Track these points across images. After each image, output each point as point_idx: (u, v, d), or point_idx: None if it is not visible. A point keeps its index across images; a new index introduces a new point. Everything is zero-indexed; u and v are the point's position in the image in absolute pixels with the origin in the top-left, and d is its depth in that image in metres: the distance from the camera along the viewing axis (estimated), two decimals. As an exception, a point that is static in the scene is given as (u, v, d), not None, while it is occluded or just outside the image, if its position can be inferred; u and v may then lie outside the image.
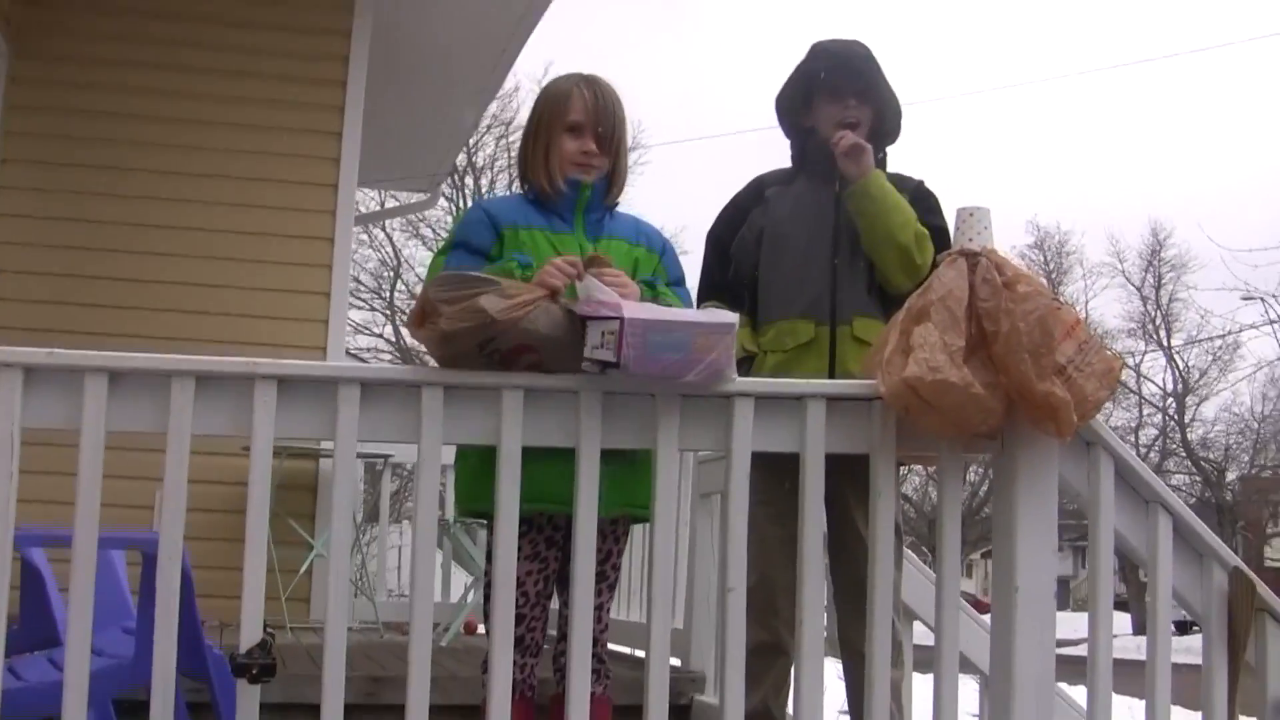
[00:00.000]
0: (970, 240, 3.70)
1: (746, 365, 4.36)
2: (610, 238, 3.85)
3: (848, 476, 3.92)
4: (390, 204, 23.16)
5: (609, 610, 3.90)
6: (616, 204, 3.96)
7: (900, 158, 4.74)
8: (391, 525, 11.27)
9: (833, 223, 4.51)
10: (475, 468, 3.68)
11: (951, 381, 3.44)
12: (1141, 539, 3.98)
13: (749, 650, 4.31)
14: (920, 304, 3.60)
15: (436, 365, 3.47)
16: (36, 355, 3.29)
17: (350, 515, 3.38)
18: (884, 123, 4.63)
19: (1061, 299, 3.66)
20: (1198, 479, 46.33)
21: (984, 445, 3.78)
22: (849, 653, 4.43)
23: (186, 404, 3.30)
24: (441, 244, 3.93)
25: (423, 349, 3.60)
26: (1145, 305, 47.65)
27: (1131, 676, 4.44)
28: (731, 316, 3.51)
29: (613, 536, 3.84)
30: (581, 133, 3.84)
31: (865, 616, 3.70)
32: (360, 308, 35.26)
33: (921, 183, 4.67)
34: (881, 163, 4.61)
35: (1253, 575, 4.06)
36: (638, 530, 4.54)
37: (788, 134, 4.73)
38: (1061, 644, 3.96)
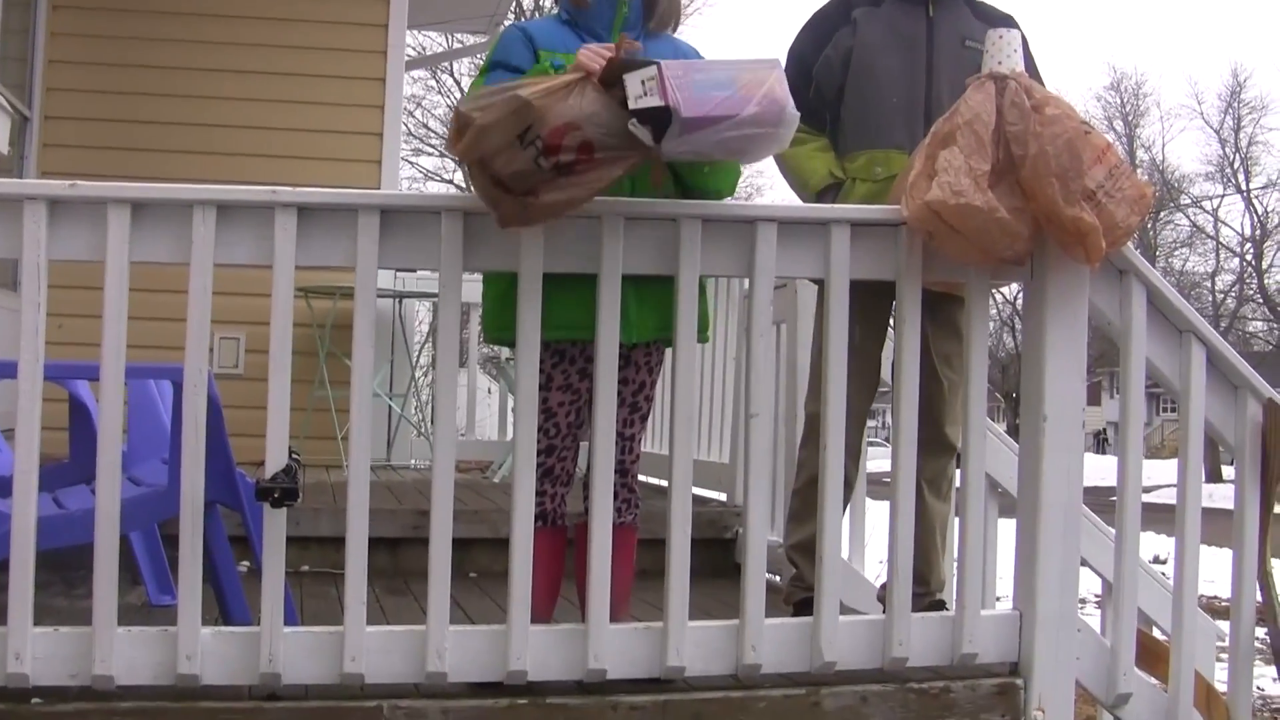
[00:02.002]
0: (999, 64, 3.63)
1: (833, 192, 4.27)
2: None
3: (926, 310, 3.82)
4: (455, 48, 22.98)
5: (640, 441, 3.90)
6: (657, 31, 3.84)
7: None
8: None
9: (926, 51, 4.39)
10: (502, 293, 3.66)
11: (975, 205, 3.40)
12: (1174, 369, 3.95)
13: (809, 479, 4.36)
14: (946, 128, 3.55)
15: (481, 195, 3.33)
16: (60, 188, 3.31)
17: (370, 342, 3.39)
18: None
19: (1091, 125, 3.58)
20: (1275, 325, 45.74)
21: (1012, 272, 3.75)
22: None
23: (209, 234, 3.31)
24: (481, 67, 3.86)
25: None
26: (1223, 148, 46.79)
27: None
28: (770, 57, 3.36)
29: (645, 367, 3.81)
30: None
31: (926, 450, 3.70)
32: (430, 154, 35.21)
33: (1012, 19, 4.51)
34: None
35: (1287, 406, 4.02)
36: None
37: None
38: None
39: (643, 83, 3.11)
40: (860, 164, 4.33)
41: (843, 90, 4.41)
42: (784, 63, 4.54)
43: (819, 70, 4.45)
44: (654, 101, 3.09)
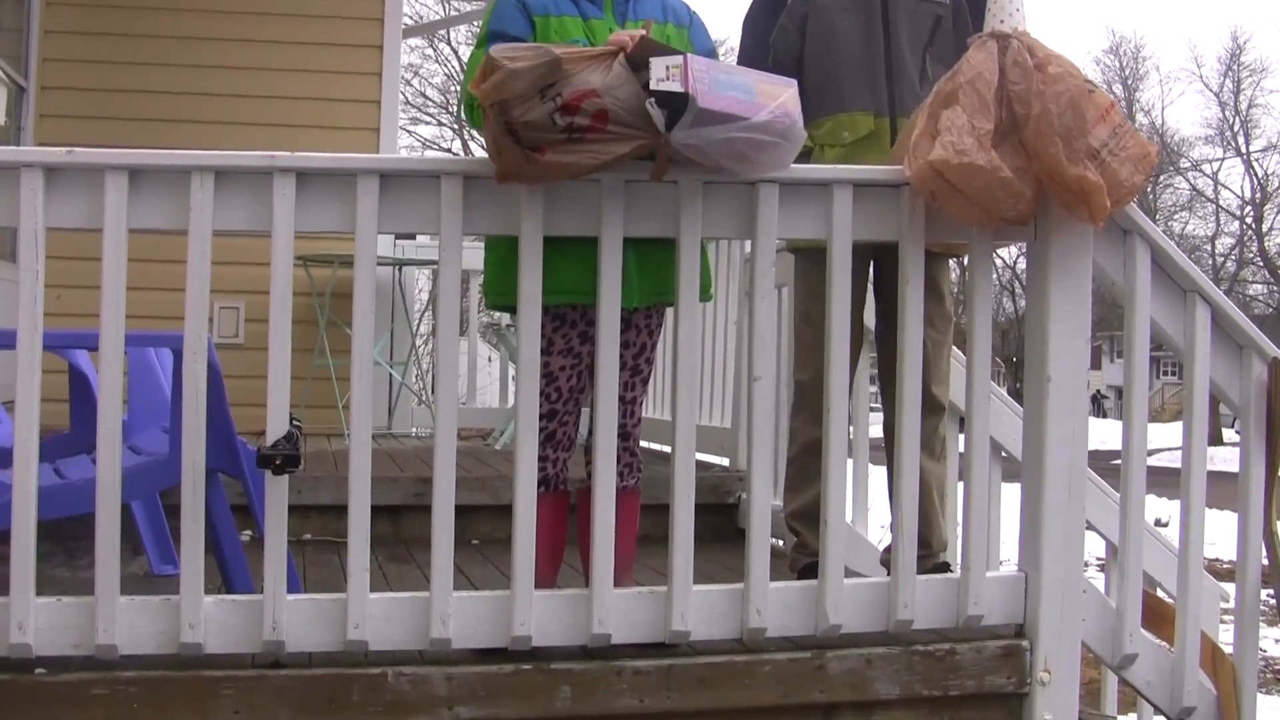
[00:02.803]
0: (1001, 22, 3.61)
1: (802, 160, 4.26)
2: (639, 21, 3.74)
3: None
4: (452, 15, 22.89)
5: (642, 404, 3.89)
6: None
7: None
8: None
9: (881, 9, 4.35)
10: (502, 258, 3.65)
11: (978, 164, 3.37)
12: (1179, 329, 3.93)
13: (802, 447, 4.36)
14: (949, 88, 3.52)
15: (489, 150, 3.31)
16: (56, 154, 3.28)
17: (371, 307, 3.37)
18: None
19: (1095, 84, 3.56)
20: (1276, 288, 45.70)
21: (1015, 233, 3.73)
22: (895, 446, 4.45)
23: (207, 199, 3.29)
24: (478, 37, 3.85)
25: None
26: (1223, 111, 46.79)
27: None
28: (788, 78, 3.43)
29: (646, 330, 3.80)
30: None
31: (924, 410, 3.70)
32: (428, 123, 35.15)
33: None
34: None
35: (1293, 365, 4.00)
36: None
37: None
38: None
39: (667, 68, 3.18)
40: (826, 129, 4.30)
41: (802, 58, 4.37)
42: (740, 34, 4.54)
43: (775, 39, 4.42)
44: (674, 86, 3.16)
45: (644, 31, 3.30)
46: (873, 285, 4.43)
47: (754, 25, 4.48)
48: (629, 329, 3.71)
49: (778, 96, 3.29)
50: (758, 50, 4.48)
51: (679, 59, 3.19)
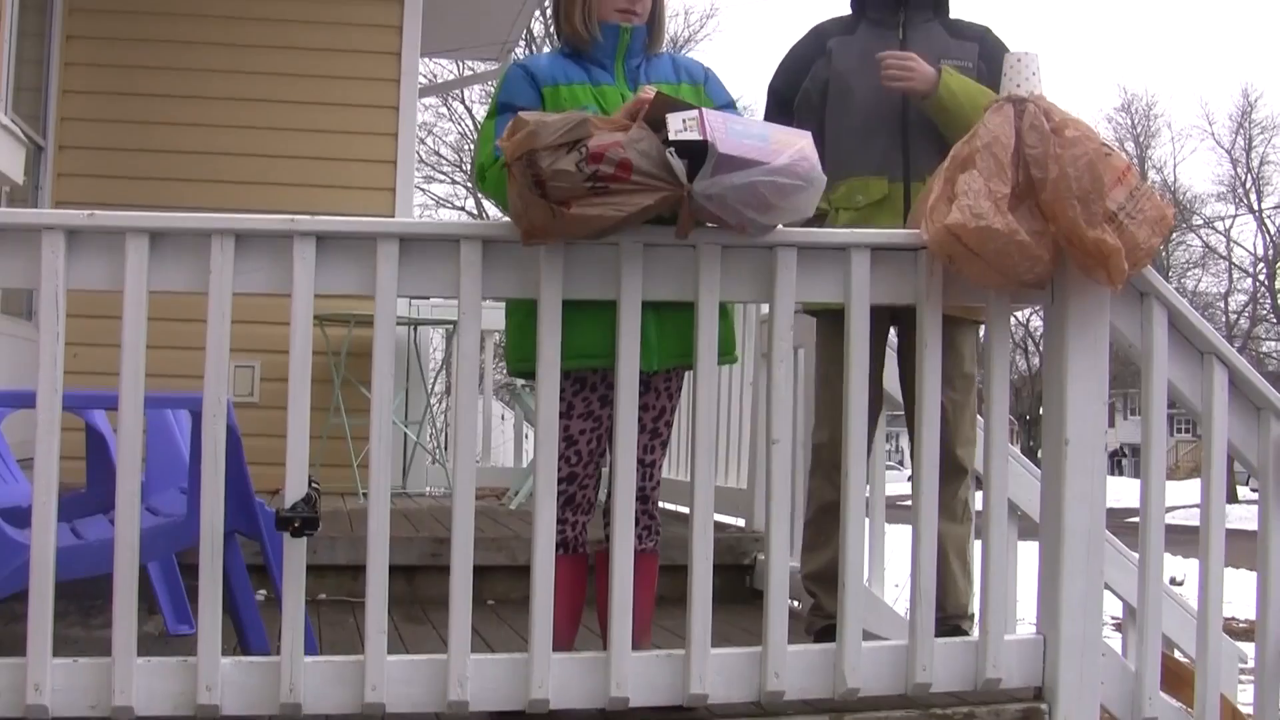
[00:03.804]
0: (1018, 86, 3.62)
1: (817, 222, 4.28)
2: (651, 83, 3.76)
3: None
4: (467, 75, 22.98)
5: (661, 467, 3.88)
6: (657, 53, 3.87)
7: (987, 17, 4.60)
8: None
9: None
10: (522, 323, 3.65)
11: (995, 228, 3.38)
12: (1196, 391, 3.93)
13: (818, 508, 4.37)
14: (965, 151, 3.54)
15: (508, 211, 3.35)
16: (78, 217, 3.31)
17: (390, 369, 3.37)
18: None
19: (1111, 147, 3.57)
20: (1289, 345, 45.69)
21: (1033, 296, 3.73)
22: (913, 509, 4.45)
23: (227, 262, 3.30)
24: (489, 108, 3.88)
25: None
26: (1235, 168, 46.84)
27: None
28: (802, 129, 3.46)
29: (665, 393, 3.79)
30: None
31: (945, 473, 3.70)
32: (442, 181, 35.28)
33: (988, 31, 4.52)
34: (943, 9, 4.50)
35: (1311, 427, 4.00)
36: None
37: None
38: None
39: (684, 120, 3.23)
40: (840, 193, 4.33)
41: (823, 122, 4.41)
42: (765, 101, 4.57)
43: (799, 105, 4.48)
44: (693, 135, 3.21)
45: (660, 92, 3.34)
46: (897, 351, 4.45)
47: (777, 94, 4.54)
48: (648, 392, 3.71)
49: (795, 143, 3.32)
50: (782, 119, 4.49)
51: (694, 112, 3.24)
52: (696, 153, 3.20)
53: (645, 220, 3.30)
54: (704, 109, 3.26)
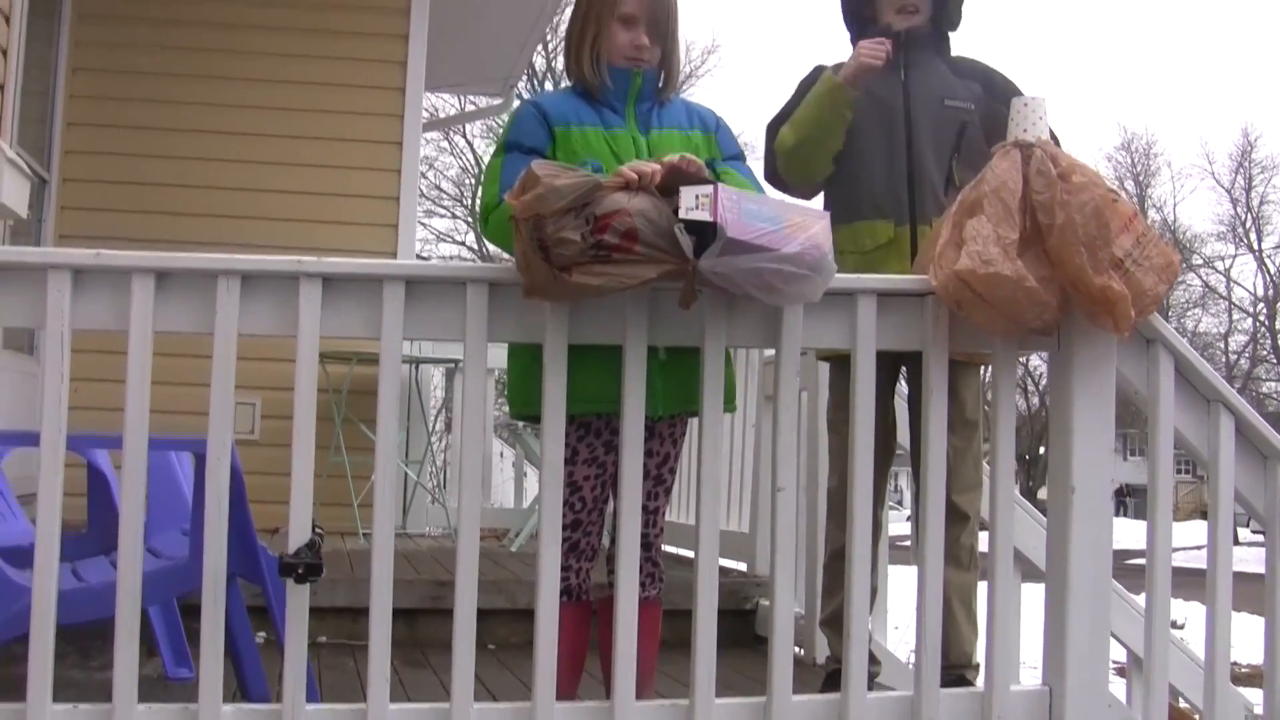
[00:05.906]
0: (1025, 131, 3.61)
1: None
2: (663, 128, 3.74)
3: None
4: (469, 110, 23.07)
5: (664, 513, 3.85)
6: (669, 98, 3.84)
7: (988, 55, 4.62)
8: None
9: (904, 116, 4.39)
10: (526, 367, 3.61)
11: (1004, 274, 3.37)
12: (1203, 439, 3.91)
13: (830, 555, 4.38)
14: (973, 196, 3.53)
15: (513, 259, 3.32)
16: (84, 256, 3.29)
17: (395, 414, 3.35)
18: (945, 9, 4.51)
19: (1119, 193, 3.56)
20: (1289, 386, 45.69)
21: (1039, 341, 3.72)
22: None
23: (233, 303, 3.29)
24: (496, 145, 3.85)
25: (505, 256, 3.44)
26: (1235, 208, 46.95)
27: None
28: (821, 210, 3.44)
29: (670, 439, 3.76)
30: (634, 24, 3.70)
31: (947, 520, 3.68)
32: (443, 216, 35.34)
33: (992, 70, 4.52)
34: (944, 49, 4.51)
35: (1319, 475, 3.98)
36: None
37: (848, 24, 4.62)
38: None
39: (696, 197, 3.18)
40: (845, 236, 4.32)
41: None
42: (764, 138, 4.57)
43: None
44: (703, 216, 3.16)
45: (674, 160, 3.29)
46: (907, 399, 4.45)
47: (778, 133, 4.51)
48: (652, 438, 3.67)
49: (808, 229, 3.26)
50: None
51: (709, 189, 3.19)
52: (705, 230, 3.17)
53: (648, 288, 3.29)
54: (720, 186, 3.21)
